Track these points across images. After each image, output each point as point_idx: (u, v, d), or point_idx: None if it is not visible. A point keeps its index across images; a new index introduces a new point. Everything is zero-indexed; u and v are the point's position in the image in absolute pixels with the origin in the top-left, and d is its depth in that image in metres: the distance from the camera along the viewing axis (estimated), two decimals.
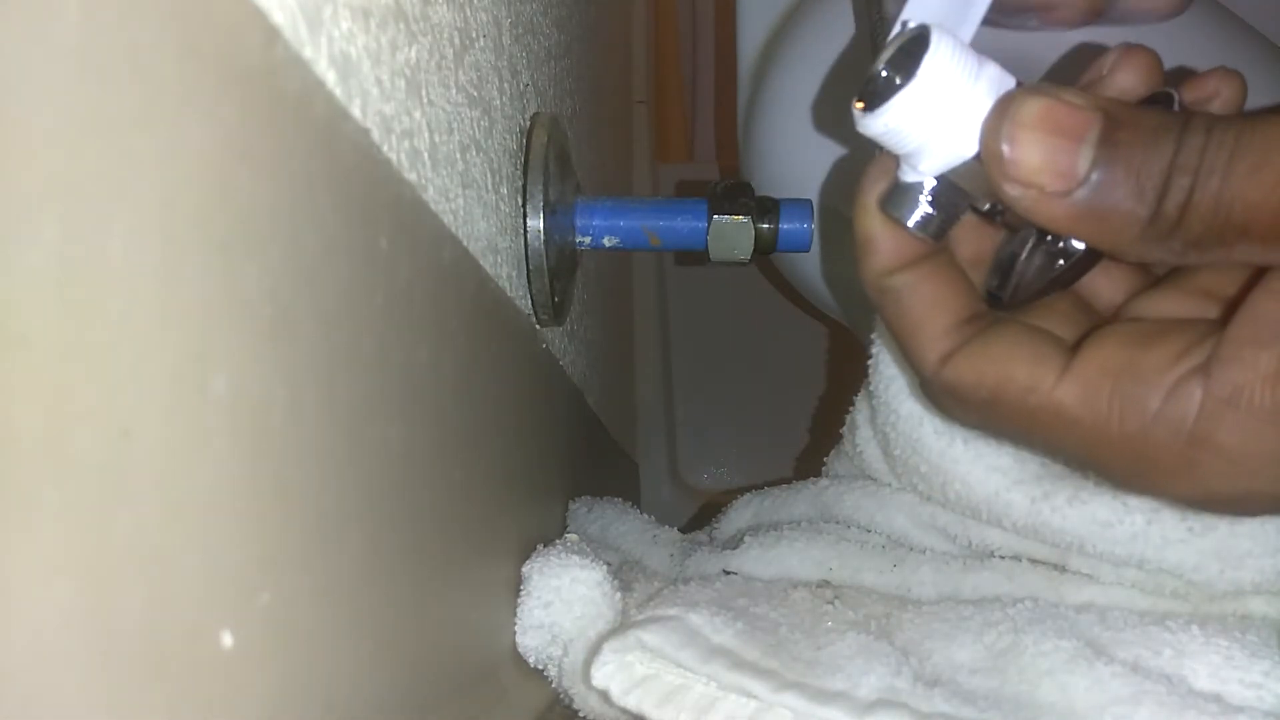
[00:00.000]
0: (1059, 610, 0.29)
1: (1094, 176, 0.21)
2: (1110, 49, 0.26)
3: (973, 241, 0.28)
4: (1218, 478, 0.22)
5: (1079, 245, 0.24)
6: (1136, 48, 0.26)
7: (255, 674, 0.14)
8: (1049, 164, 0.22)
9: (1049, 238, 0.24)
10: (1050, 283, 0.25)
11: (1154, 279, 0.27)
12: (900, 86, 0.22)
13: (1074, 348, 0.24)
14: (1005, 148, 0.22)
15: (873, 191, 0.26)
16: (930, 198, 0.24)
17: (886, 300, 0.26)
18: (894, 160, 0.25)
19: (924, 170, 0.24)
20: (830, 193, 0.53)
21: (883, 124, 0.23)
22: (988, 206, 0.24)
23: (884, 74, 0.23)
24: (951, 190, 0.24)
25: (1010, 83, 0.23)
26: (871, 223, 0.26)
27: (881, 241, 0.26)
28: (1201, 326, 0.23)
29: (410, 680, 0.21)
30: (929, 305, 0.26)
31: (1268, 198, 0.20)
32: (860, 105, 0.23)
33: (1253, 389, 0.21)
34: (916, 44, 0.22)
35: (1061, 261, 0.24)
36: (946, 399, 0.26)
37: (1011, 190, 0.22)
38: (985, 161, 0.23)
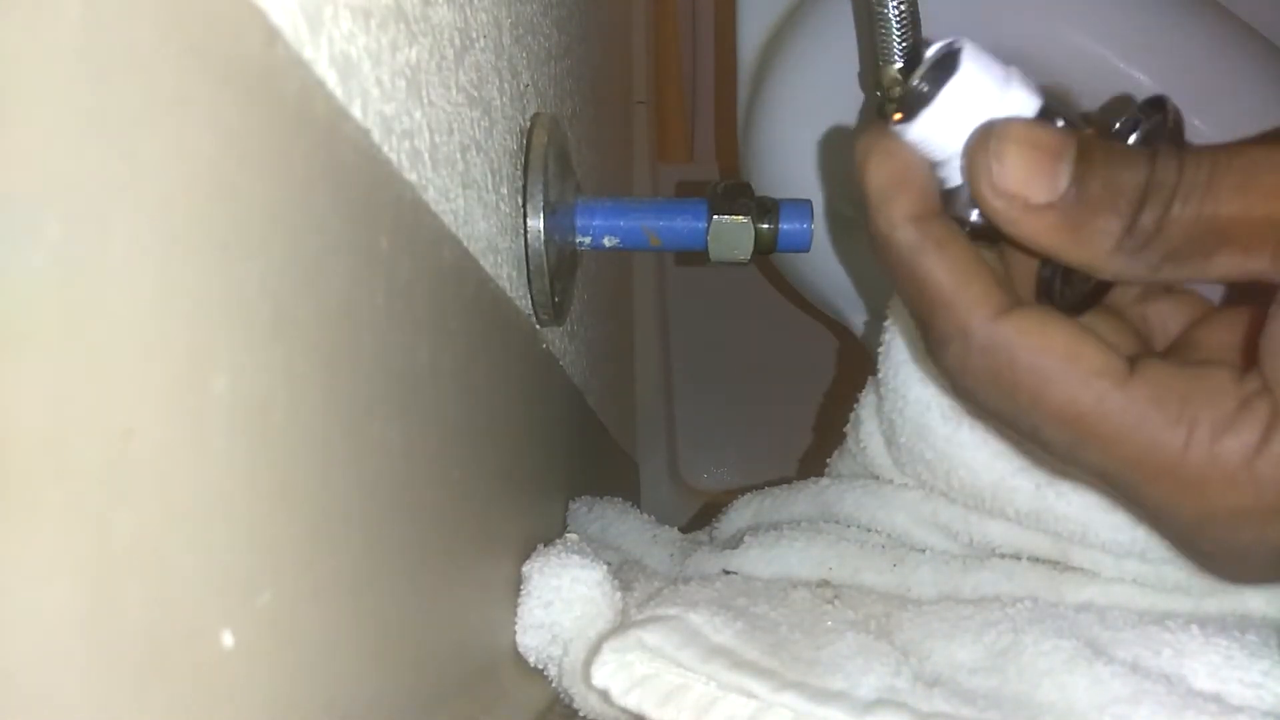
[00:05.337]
0: (1059, 610, 0.29)
1: (1071, 191, 0.22)
2: None
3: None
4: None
5: None
6: None
7: (255, 674, 0.14)
8: (1031, 176, 0.22)
9: None
10: (1085, 298, 0.26)
11: (1210, 309, 0.27)
12: (929, 100, 0.24)
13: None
14: (993, 163, 0.22)
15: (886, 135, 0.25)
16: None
17: (928, 244, 0.24)
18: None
19: (951, 180, 0.25)
20: (830, 193, 0.53)
21: (915, 134, 0.24)
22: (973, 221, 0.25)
23: (918, 86, 0.24)
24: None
25: (1035, 103, 0.24)
26: (901, 158, 0.24)
27: (920, 179, 0.24)
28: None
29: (410, 680, 0.21)
30: (977, 256, 0.24)
31: (1252, 209, 0.21)
32: (897, 116, 0.24)
33: None
34: (949, 60, 0.24)
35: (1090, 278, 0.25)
36: (983, 363, 0.23)
37: (995, 202, 0.23)
38: (970, 175, 0.23)
